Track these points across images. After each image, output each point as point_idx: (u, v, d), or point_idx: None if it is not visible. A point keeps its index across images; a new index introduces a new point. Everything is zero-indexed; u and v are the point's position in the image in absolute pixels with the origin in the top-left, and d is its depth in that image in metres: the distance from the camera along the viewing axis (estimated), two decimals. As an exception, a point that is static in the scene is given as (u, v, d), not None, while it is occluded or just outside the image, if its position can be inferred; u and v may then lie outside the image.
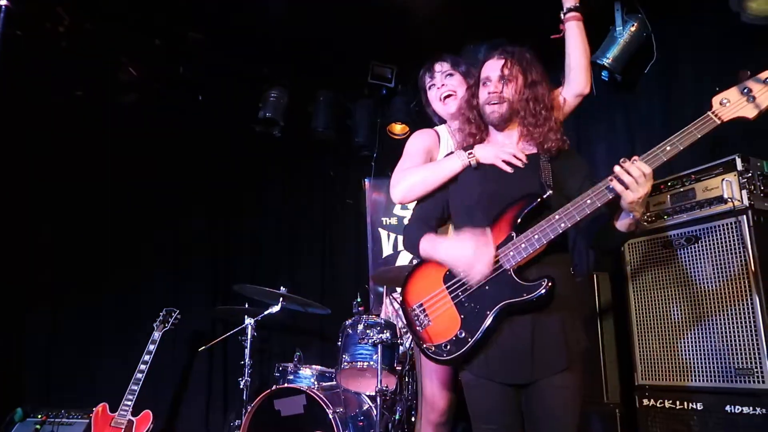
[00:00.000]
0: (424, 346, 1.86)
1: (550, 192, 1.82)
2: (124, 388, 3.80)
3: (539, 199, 1.80)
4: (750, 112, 1.50)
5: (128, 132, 4.70)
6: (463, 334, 1.80)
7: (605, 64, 3.91)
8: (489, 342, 1.80)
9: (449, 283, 1.86)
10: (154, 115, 4.77)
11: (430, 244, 1.93)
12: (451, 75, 2.37)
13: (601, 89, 4.11)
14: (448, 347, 1.81)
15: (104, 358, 4.43)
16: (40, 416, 3.84)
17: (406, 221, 2.33)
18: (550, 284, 1.73)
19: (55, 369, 4.32)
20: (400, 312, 2.01)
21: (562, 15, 2.27)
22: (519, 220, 1.81)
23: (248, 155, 5.27)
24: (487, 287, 1.80)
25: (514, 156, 1.93)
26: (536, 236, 1.76)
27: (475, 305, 1.80)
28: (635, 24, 3.87)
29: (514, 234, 1.80)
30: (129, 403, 3.75)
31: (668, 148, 1.60)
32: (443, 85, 2.36)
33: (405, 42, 4.42)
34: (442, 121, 2.46)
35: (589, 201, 1.73)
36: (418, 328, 1.88)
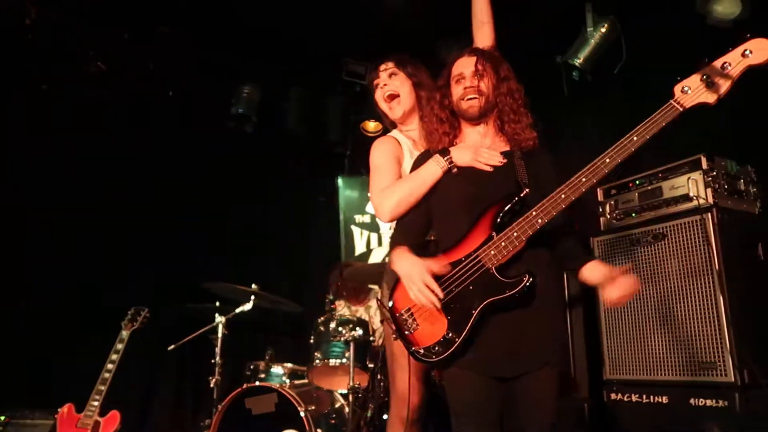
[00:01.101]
0: (413, 349, 1.88)
1: (527, 191, 1.86)
2: (90, 388, 3.71)
3: (516, 198, 1.84)
4: (710, 97, 1.56)
5: (97, 127, 4.60)
6: (451, 335, 1.82)
7: (576, 64, 3.97)
8: (476, 336, 1.82)
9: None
10: (123, 110, 4.67)
11: (395, 258, 1.96)
12: (394, 74, 2.35)
13: (572, 89, 4.17)
14: (437, 348, 1.83)
15: (70, 357, 4.32)
16: (3, 417, 3.73)
17: (379, 220, 2.32)
18: (530, 279, 1.78)
19: (18, 368, 4.20)
20: (387, 314, 1.99)
21: None
22: (498, 220, 1.84)
23: (220, 151, 5.20)
24: (471, 287, 1.83)
25: (491, 156, 1.96)
26: (515, 234, 1.80)
27: (461, 306, 1.83)
28: (606, 25, 3.94)
29: (493, 234, 1.84)
30: (96, 403, 3.66)
31: (635, 138, 1.64)
32: (385, 84, 2.34)
33: (379, 39, 4.39)
34: (393, 126, 2.45)
35: (563, 196, 1.77)
36: (406, 332, 1.90)
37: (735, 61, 1.54)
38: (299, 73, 5.10)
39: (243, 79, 4.91)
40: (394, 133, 2.42)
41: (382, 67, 2.37)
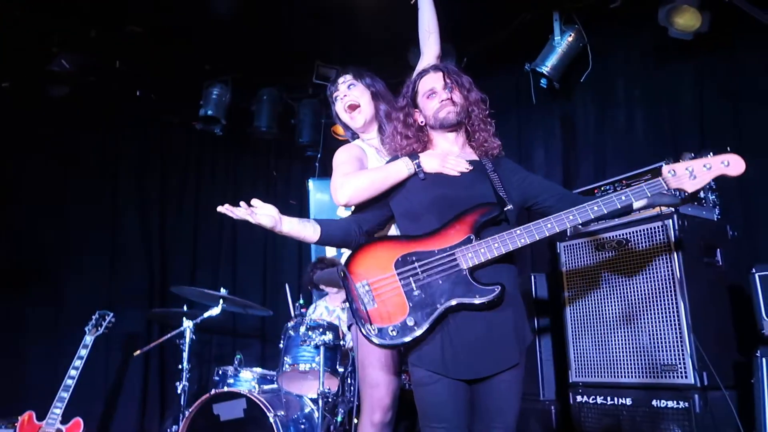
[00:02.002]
0: (366, 326, 1.86)
1: (510, 207, 1.95)
2: (52, 396, 3.63)
3: (500, 211, 1.93)
4: (690, 187, 1.89)
5: (59, 126, 4.50)
6: (412, 322, 1.83)
7: (544, 71, 4.05)
8: (441, 337, 1.85)
9: (400, 270, 1.89)
10: (88, 109, 4.58)
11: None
12: (353, 85, 2.40)
13: (540, 96, 4.25)
14: (395, 332, 1.83)
15: (31, 363, 4.22)
16: (-41, 427, 3.62)
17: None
18: (500, 290, 1.83)
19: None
20: (342, 281, 1.96)
21: None
22: (479, 225, 1.91)
23: (188, 153, 5.15)
24: (440, 281, 1.86)
25: (459, 162, 2.02)
26: (496, 244, 1.86)
27: (426, 296, 1.85)
28: (572, 34, 4.02)
29: (472, 237, 1.89)
30: (58, 411, 3.58)
31: (623, 197, 1.88)
32: (345, 95, 2.39)
33: (351, 43, 4.43)
34: (355, 136, 2.49)
35: (549, 225, 1.88)
36: (361, 306, 1.88)
37: (714, 167, 1.86)
38: (270, 75, 5.07)
39: (212, 81, 4.85)
40: (357, 142, 2.46)
41: (341, 79, 2.42)
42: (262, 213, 2.00)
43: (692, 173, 1.86)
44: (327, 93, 2.51)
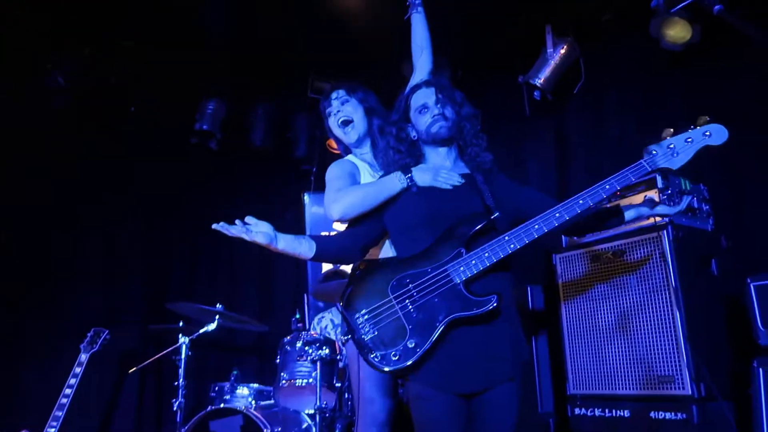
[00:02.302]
0: (369, 356, 1.86)
1: (497, 214, 1.95)
2: (47, 414, 3.59)
3: (487, 221, 1.92)
4: (673, 164, 1.88)
5: (54, 142, 4.49)
6: (413, 344, 1.83)
7: (537, 84, 4.07)
8: (439, 352, 1.84)
9: (397, 294, 1.89)
10: (83, 124, 4.58)
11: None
12: (347, 101, 2.42)
13: (533, 108, 4.27)
14: (398, 356, 1.83)
15: (26, 381, 4.17)
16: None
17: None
18: (498, 300, 1.83)
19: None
20: (340, 320, 1.99)
21: (410, 1, 2.59)
22: (467, 238, 1.90)
23: (183, 168, 5.14)
24: (436, 299, 1.86)
25: (451, 176, 2.04)
26: (486, 254, 1.87)
27: (425, 316, 1.85)
28: (565, 47, 4.05)
29: (463, 250, 1.89)
30: (53, 430, 3.54)
31: (607, 186, 1.88)
32: (339, 111, 2.41)
33: (345, 56, 4.45)
34: (348, 151, 2.51)
35: (536, 226, 1.87)
36: (363, 336, 1.89)
37: (697, 139, 1.85)
38: (265, 89, 5.09)
39: (208, 95, 4.86)
40: (350, 157, 2.48)
41: (334, 94, 2.43)
42: (257, 231, 2.02)
43: (674, 150, 1.87)
44: (320, 108, 2.52)
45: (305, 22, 4.20)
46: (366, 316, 1.90)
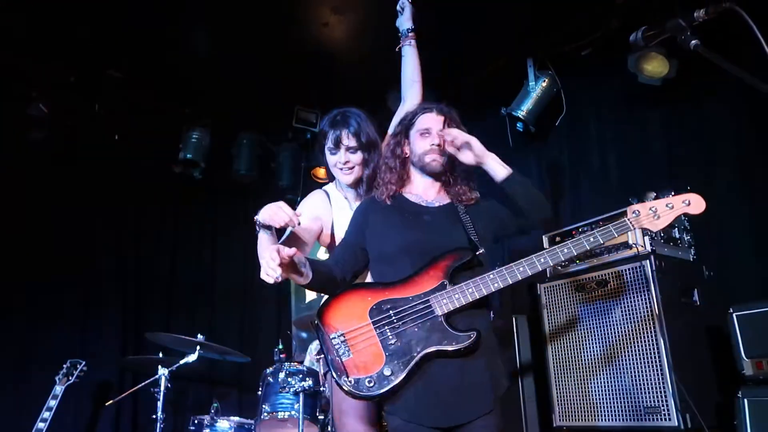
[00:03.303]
0: (342, 378, 1.81)
1: (482, 251, 1.95)
2: (18, 449, 3.48)
3: (473, 256, 1.93)
4: (653, 227, 1.98)
5: (34, 169, 4.44)
6: (389, 372, 1.80)
7: (520, 115, 4.14)
8: (416, 384, 1.81)
9: (376, 319, 1.86)
10: (65, 152, 4.54)
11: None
12: (354, 151, 2.31)
13: (516, 139, 4.33)
14: (372, 383, 1.79)
15: (-2, 414, 4.04)
16: None
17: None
18: (476, 336, 1.82)
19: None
20: (318, 339, 1.93)
21: (402, 33, 2.65)
22: (452, 271, 1.90)
23: (166, 197, 5.10)
24: (416, 329, 1.84)
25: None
26: (470, 290, 1.87)
27: (402, 345, 1.82)
28: (546, 80, 4.14)
29: (446, 283, 1.88)
30: (24, 465, 3.42)
31: (591, 239, 1.96)
32: (347, 161, 2.32)
33: (330, 87, 4.49)
34: (332, 177, 2.49)
35: (521, 268, 1.90)
36: (336, 357, 1.84)
37: (677, 206, 1.95)
38: (249, 119, 5.11)
39: (192, 124, 4.86)
40: (329, 186, 2.50)
41: (344, 140, 2.30)
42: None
43: (656, 213, 1.95)
44: (320, 135, 2.42)
45: (290, 52, 4.24)
46: (342, 338, 1.85)
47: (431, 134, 2.11)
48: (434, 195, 2.14)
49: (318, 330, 1.90)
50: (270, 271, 1.80)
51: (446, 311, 1.85)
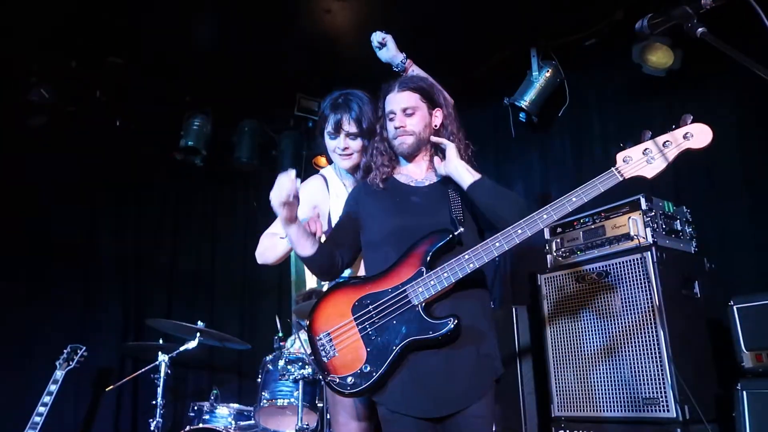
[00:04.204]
0: (329, 378, 1.82)
1: (461, 230, 1.86)
2: (19, 432, 3.49)
3: (450, 236, 1.84)
4: (648, 172, 1.68)
5: (36, 155, 4.43)
6: (368, 368, 1.79)
7: (523, 106, 4.11)
8: (402, 375, 1.80)
9: (357, 314, 1.84)
10: (66, 138, 4.53)
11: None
12: (354, 138, 2.26)
13: (519, 130, 4.31)
14: (353, 381, 1.79)
15: (-1, 398, 4.06)
16: None
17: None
18: (456, 323, 1.76)
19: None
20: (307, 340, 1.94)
21: (398, 66, 2.47)
22: (428, 257, 1.83)
23: (167, 184, 5.09)
24: (395, 321, 1.81)
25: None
26: (446, 274, 1.79)
27: (382, 339, 1.80)
28: (550, 70, 4.12)
29: (424, 269, 1.82)
30: (24, 449, 3.44)
31: (574, 199, 1.71)
32: (346, 147, 2.27)
33: (332, 76, 4.46)
34: (330, 161, 2.45)
35: (497, 244, 1.78)
36: (323, 358, 1.84)
37: (676, 142, 1.64)
38: (251, 107, 5.08)
39: (193, 112, 4.84)
40: (327, 169, 2.44)
41: (345, 126, 2.24)
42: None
43: (650, 155, 1.67)
44: (320, 118, 2.37)
45: (293, 40, 4.22)
46: (328, 338, 1.85)
47: (396, 115, 2.01)
48: (423, 174, 2.06)
49: (307, 332, 1.90)
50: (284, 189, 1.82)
51: (422, 300, 1.79)
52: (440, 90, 2.15)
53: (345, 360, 1.82)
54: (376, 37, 2.51)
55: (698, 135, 1.64)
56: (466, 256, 1.79)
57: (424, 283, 1.80)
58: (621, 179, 1.71)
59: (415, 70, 2.45)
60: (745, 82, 3.12)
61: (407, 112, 2.01)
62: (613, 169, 1.73)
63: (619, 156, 1.70)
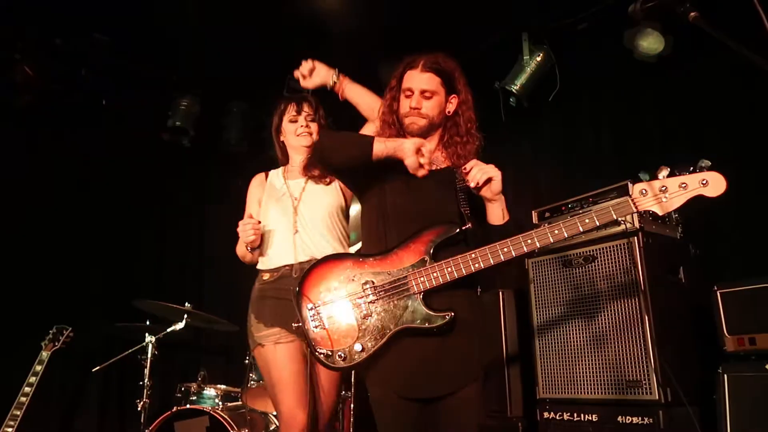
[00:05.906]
0: (317, 349, 1.82)
1: (470, 225, 1.86)
2: (4, 413, 3.47)
3: (458, 231, 1.85)
4: (660, 209, 1.70)
5: (21, 133, 4.36)
6: (360, 348, 1.79)
7: (513, 90, 4.10)
8: (393, 356, 1.81)
9: (353, 292, 1.84)
10: (50, 117, 4.45)
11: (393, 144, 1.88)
12: (313, 120, 2.56)
13: (508, 115, 4.30)
14: (343, 357, 1.80)
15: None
16: None
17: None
18: (452, 317, 1.79)
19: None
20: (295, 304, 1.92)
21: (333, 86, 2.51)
22: (433, 248, 1.84)
23: (154, 164, 5.04)
24: (392, 305, 1.81)
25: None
26: (449, 269, 1.79)
27: (377, 321, 1.81)
28: (541, 54, 4.10)
29: (427, 259, 1.83)
30: (10, 429, 3.42)
31: (587, 221, 1.75)
32: (306, 126, 2.54)
33: (322, 58, 4.41)
34: (284, 162, 2.67)
35: (506, 249, 1.79)
36: (312, 328, 1.84)
37: (692, 186, 1.67)
38: (240, 88, 5.02)
39: (181, 92, 4.78)
40: (275, 171, 2.74)
41: (306, 108, 2.56)
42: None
43: (665, 192, 1.69)
44: (281, 104, 2.61)
45: (282, 21, 4.16)
46: (319, 309, 1.84)
47: (413, 94, 1.98)
48: (427, 159, 1.98)
49: (297, 298, 1.87)
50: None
51: (422, 289, 1.80)
52: (461, 76, 2.10)
53: (335, 335, 1.82)
54: (303, 69, 2.51)
55: (713, 184, 1.66)
56: (473, 255, 1.79)
57: (426, 274, 1.81)
58: (634, 210, 1.74)
59: (347, 85, 2.47)
60: (735, 66, 3.13)
61: (426, 95, 1.98)
62: (629, 198, 1.74)
63: (637, 187, 1.73)
